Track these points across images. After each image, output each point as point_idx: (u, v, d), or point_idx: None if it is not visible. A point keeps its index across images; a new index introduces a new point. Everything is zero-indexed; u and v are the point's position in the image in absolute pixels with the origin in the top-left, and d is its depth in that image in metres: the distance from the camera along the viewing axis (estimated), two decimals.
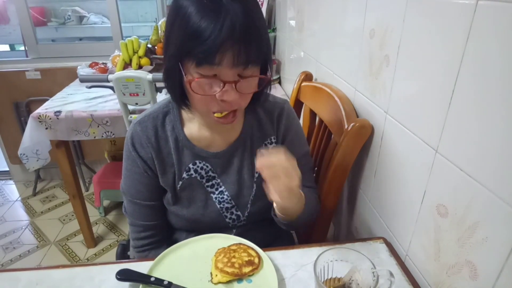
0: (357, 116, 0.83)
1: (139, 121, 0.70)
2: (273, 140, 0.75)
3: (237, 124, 0.73)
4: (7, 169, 2.40)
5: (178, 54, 0.56)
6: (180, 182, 0.72)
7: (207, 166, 0.72)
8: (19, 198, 2.25)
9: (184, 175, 0.72)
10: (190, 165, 0.72)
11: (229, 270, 0.58)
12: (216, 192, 0.74)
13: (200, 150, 0.71)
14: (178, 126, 0.70)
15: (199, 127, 0.71)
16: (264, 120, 0.74)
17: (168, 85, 0.63)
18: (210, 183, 0.74)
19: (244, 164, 0.74)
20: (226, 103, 0.59)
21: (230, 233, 0.76)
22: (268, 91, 0.69)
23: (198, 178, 0.72)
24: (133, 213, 0.75)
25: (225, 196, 0.74)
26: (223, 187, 0.74)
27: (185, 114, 0.71)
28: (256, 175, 0.74)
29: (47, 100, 1.55)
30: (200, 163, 0.72)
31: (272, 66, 0.67)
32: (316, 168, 0.98)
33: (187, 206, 0.73)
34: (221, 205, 0.74)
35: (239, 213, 0.75)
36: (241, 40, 0.52)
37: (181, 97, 0.64)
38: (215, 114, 0.61)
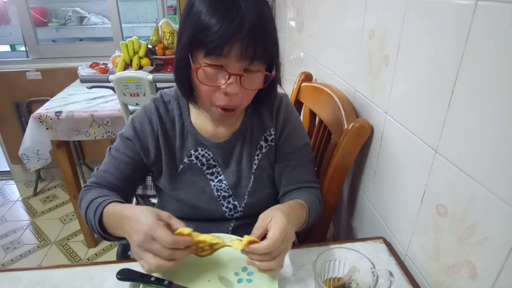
0: (357, 116, 0.83)
1: (154, 99, 0.74)
2: (272, 133, 0.76)
3: (239, 116, 0.75)
4: (8, 169, 2.40)
5: (189, 44, 0.59)
6: (181, 166, 0.74)
7: (208, 154, 0.74)
8: (20, 198, 2.26)
9: (185, 159, 0.74)
10: (192, 151, 0.74)
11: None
12: (215, 180, 0.75)
13: (203, 138, 0.73)
14: (186, 112, 0.73)
15: (204, 119, 0.73)
16: (264, 112, 0.75)
17: (177, 77, 0.66)
18: (210, 171, 0.75)
19: (243, 155, 0.75)
20: (229, 97, 0.61)
21: (228, 225, 0.77)
22: (274, 93, 0.71)
23: (199, 164, 0.74)
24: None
25: (223, 185, 0.75)
26: (222, 176, 0.76)
27: (191, 106, 0.73)
28: (254, 166, 0.76)
29: (48, 100, 1.56)
30: (202, 150, 0.74)
31: (279, 67, 0.68)
32: (316, 168, 0.98)
33: (185, 190, 0.75)
34: (219, 193, 0.75)
35: (236, 202, 0.76)
36: (249, 35, 0.55)
37: (189, 90, 0.66)
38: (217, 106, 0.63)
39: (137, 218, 0.54)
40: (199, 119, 0.73)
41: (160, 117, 0.72)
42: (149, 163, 0.74)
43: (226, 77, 0.58)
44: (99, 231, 0.64)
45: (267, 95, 0.69)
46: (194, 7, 0.57)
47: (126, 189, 0.74)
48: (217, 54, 0.56)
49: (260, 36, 0.57)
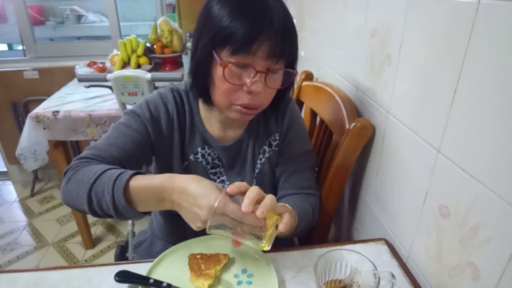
0: (358, 116, 0.82)
1: (171, 89, 0.72)
2: (277, 137, 0.76)
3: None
4: (5, 169, 2.39)
5: (213, 42, 0.57)
6: (186, 162, 0.73)
7: (214, 154, 0.74)
8: (17, 199, 2.24)
9: (191, 157, 0.73)
10: (199, 149, 0.73)
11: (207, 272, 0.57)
12: (217, 181, 0.75)
13: (210, 137, 0.73)
14: (195, 109, 0.72)
15: (211, 119, 0.72)
16: (270, 117, 0.75)
17: (195, 78, 0.64)
18: (213, 171, 0.75)
19: (247, 158, 0.75)
20: (252, 96, 0.60)
21: None
22: (287, 97, 0.72)
23: (204, 163, 0.74)
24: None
25: (225, 186, 0.74)
26: (225, 177, 0.75)
27: (201, 104, 0.72)
28: (257, 170, 0.75)
29: (45, 99, 1.54)
30: (209, 149, 0.73)
31: (296, 65, 0.68)
32: (317, 169, 0.97)
33: None
34: None
35: None
36: (278, 33, 0.55)
37: (206, 90, 0.64)
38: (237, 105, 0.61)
39: (199, 194, 0.50)
40: (207, 119, 0.72)
41: (177, 107, 0.70)
42: (159, 150, 0.70)
43: (252, 75, 0.57)
44: (114, 205, 0.54)
45: (282, 98, 0.69)
46: (219, 2, 0.56)
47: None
48: (246, 52, 0.55)
49: (288, 35, 0.57)
